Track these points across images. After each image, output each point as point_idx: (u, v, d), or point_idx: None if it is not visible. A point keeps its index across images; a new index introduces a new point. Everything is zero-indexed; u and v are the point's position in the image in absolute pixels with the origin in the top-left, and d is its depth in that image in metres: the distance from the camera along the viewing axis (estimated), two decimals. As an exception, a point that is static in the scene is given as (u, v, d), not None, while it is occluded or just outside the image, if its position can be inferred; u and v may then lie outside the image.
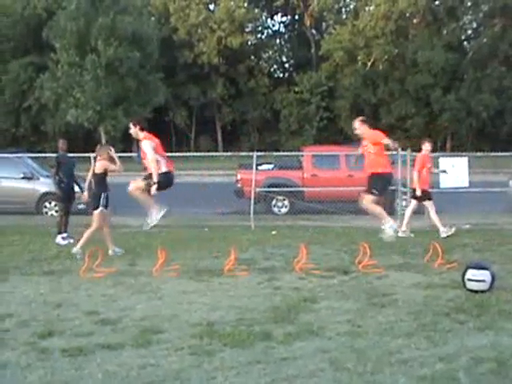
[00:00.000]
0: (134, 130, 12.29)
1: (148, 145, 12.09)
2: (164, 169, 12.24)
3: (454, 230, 15.49)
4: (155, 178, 11.82)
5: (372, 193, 11.93)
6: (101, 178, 13.01)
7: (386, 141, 11.92)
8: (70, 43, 17.75)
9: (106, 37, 17.32)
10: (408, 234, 15.52)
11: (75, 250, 12.70)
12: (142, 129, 12.34)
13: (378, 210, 12.12)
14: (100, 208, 12.92)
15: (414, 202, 16.00)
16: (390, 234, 11.93)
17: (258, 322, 8.02)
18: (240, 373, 6.31)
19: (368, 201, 12.04)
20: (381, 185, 12.11)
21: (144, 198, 12.11)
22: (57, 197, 16.10)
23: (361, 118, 12.81)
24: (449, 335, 7.45)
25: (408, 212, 15.97)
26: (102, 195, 12.94)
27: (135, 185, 12.10)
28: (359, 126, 12.29)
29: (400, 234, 14.97)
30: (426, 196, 15.81)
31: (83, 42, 17.78)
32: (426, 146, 16.17)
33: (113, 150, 13.21)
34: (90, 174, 13.92)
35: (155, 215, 12.19)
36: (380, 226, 16.18)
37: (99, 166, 12.97)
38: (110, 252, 13.11)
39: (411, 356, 6.72)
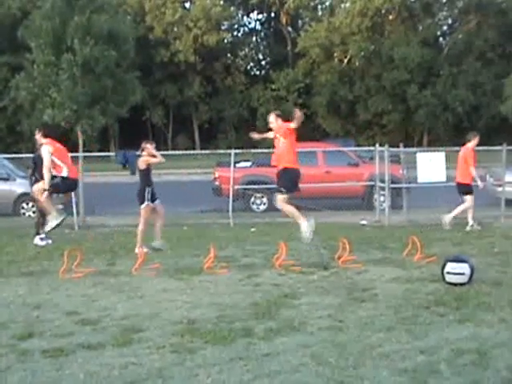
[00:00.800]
0: (38, 136, 12.82)
1: (46, 150, 12.59)
2: (65, 173, 12.52)
3: (479, 227, 15.66)
4: (46, 185, 12.37)
5: (281, 192, 11.75)
6: (144, 174, 13.02)
7: (293, 124, 11.56)
8: (46, 43, 17.56)
9: (82, 36, 17.16)
10: (476, 227, 15.54)
11: (137, 250, 12.71)
12: (45, 135, 13.10)
13: (290, 209, 11.75)
14: (146, 203, 12.93)
15: (469, 198, 15.96)
16: (307, 236, 11.59)
17: (238, 319, 8.01)
18: (222, 369, 6.30)
19: (280, 201, 11.76)
20: (288, 182, 11.75)
21: (46, 204, 12.59)
22: (33, 198, 15.97)
23: (276, 111, 12.66)
24: (429, 328, 7.47)
25: (467, 208, 15.94)
26: (147, 190, 12.91)
27: (37, 188, 12.49)
28: (274, 120, 12.11)
29: (468, 229, 15.32)
30: (467, 190, 15.83)
31: (59, 42, 17.60)
32: (475, 140, 16.19)
33: (150, 145, 13.15)
34: None
35: (53, 221, 12.70)
36: (359, 222, 16.29)
37: (141, 162, 12.96)
38: (155, 244, 13.21)
39: (392, 349, 6.74)
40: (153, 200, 12.96)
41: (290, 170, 11.71)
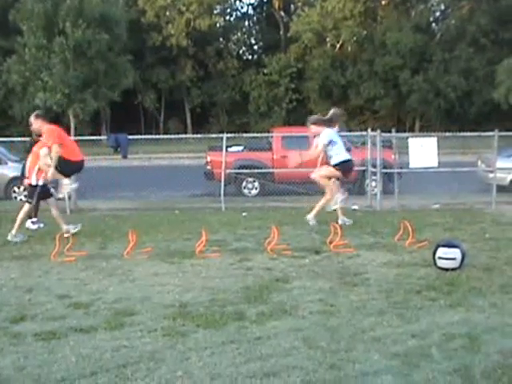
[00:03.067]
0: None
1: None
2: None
3: None
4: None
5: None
6: None
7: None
8: (38, 26, 17.50)
9: (74, 19, 17.10)
10: None
11: (309, 216, 13.79)
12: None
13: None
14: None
15: None
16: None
17: (230, 303, 8.03)
18: (214, 353, 6.32)
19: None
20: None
21: None
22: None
23: (35, 112, 12.78)
24: (420, 312, 7.50)
25: None
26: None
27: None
28: (33, 121, 12.28)
29: None
30: None
31: (51, 25, 17.54)
32: None
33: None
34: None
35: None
36: (350, 207, 16.29)
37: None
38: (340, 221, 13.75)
39: (384, 333, 6.77)
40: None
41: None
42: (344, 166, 13.29)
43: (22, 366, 6.09)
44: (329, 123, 12.94)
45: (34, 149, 13.17)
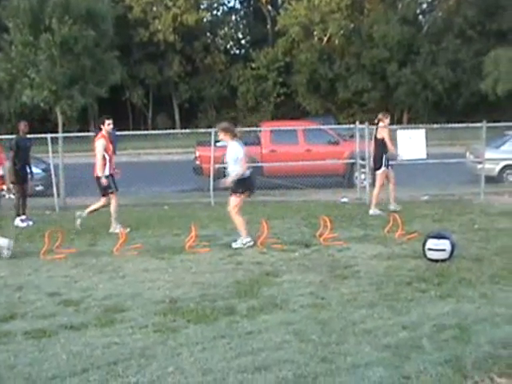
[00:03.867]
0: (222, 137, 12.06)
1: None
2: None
3: None
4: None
5: None
6: (381, 142, 14.80)
7: None
8: (24, 23, 17.36)
9: (60, 15, 16.95)
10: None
11: (372, 211, 14.39)
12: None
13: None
14: (382, 168, 14.78)
15: None
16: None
17: (221, 297, 8.03)
18: (205, 348, 6.31)
19: None
20: None
21: None
22: (12, 179, 15.78)
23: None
24: (411, 304, 7.52)
25: None
26: (384, 156, 14.77)
27: None
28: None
29: None
30: None
31: (37, 21, 17.39)
32: None
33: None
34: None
35: None
36: (340, 200, 16.27)
37: (381, 131, 14.90)
38: (372, 211, 14.58)
39: (375, 325, 6.78)
40: (387, 166, 14.94)
41: None
42: (245, 184, 11.97)
43: (12, 365, 6.08)
44: (234, 136, 12.29)
45: (97, 143, 13.26)
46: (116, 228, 13.05)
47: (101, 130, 13.48)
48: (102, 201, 13.39)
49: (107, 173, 13.18)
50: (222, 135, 11.92)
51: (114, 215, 13.29)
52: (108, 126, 13.45)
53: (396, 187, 15.19)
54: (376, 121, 15.30)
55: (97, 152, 13.09)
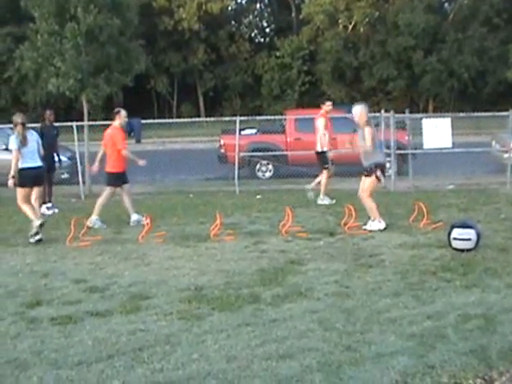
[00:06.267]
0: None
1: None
2: None
3: None
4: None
5: None
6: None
7: None
8: (49, 12, 17.41)
9: (86, 4, 17.01)
10: None
11: None
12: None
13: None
14: None
15: None
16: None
17: (245, 285, 8.05)
18: (230, 335, 6.34)
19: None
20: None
21: None
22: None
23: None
24: (436, 293, 7.50)
25: None
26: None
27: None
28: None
29: None
30: None
31: (62, 10, 17.45)
32: None
33: None
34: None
35: None
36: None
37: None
38: None
39: (399, 315, 6.77)
40: None
41: None
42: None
43: (39, 351, 6.14)
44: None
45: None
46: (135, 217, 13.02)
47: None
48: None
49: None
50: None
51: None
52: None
53: None
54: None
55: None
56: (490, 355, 5.66)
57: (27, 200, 11.81)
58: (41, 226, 11.40)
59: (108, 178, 13.19)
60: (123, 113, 13.33)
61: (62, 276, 8.94)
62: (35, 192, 12.08)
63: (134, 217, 12.99)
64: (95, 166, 13.49)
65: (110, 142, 13.00)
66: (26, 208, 11.70)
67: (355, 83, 55.10)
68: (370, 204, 11.60)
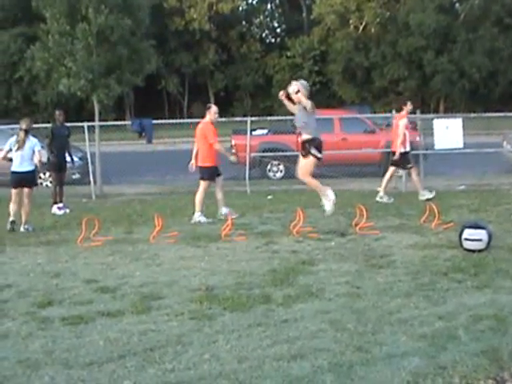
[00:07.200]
0: None
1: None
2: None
3: None
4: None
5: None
6: None
7: None
8: (61, 12, 17.49)
9: (97, 4, 17.09)
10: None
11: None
12: None
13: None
14: None
15: None
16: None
17: (257, 286, 8.04)
18: (241, 336, 6.33)
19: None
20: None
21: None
22: (49, 167, 15.96)
23: None
24: (447, 294, 7.47)
25: None
26: None
27: None
28: None
29: None
30: None
31: (74, 11, 17.53)
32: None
33: None
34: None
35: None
36: (376, 189, 16.22)
37: None
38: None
39: (411, 315, 6.75)
40: None
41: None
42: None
43: (50, 350, 6.15)
44: None
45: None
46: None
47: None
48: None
49: None
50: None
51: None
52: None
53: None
54: None
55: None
56: (502, 356, 5.63)
57: (16, 200, 12.90)
58: (12, 222, 12.65)
59: (202, 172, 13.43)
60: (214, 108, 13.70)
61: (73, 276, 8.95)
62: (25, 193, 13.04)
63: (224, 210, 13.26)
64: (192, 163, 13.68)
65: (202, 137, 13.33)
66: (11, 206, 12.83)
67: (366, 84, 55.11)
68: (311, 181, 11.53)
